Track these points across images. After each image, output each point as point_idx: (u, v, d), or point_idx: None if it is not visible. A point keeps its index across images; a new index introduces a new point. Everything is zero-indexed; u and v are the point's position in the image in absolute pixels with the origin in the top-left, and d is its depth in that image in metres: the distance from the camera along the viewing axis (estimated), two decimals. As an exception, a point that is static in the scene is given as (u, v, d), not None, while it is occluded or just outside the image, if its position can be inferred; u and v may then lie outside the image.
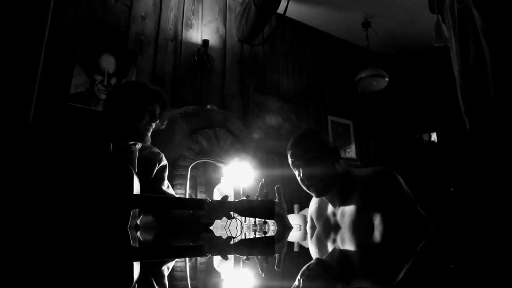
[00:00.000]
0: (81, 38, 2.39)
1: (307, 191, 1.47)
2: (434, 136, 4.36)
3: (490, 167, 1.31)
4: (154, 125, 1.48)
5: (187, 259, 0.78)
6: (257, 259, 0.76)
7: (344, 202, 1.44)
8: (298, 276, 0.57)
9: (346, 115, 3.79)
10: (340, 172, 1.44)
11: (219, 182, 1.88)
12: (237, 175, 1.71)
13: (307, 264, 0.70)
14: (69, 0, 2.41)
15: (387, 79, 3.47)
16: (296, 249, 0.97)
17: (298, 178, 1.46)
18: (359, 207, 1.35)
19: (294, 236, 1.35)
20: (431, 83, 4.33)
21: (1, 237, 0.95)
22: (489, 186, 1.38)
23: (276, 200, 1.61)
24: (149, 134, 1.47)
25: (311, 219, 1.65)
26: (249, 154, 2.46)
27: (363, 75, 3.47)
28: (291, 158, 1.46)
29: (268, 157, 3.00)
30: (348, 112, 3.83)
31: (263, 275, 0.61)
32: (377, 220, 1.31)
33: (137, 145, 1.50)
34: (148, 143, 1.50)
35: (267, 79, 3.36)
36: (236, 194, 1.75)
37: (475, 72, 1.22)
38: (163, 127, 1.57)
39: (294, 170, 1.48)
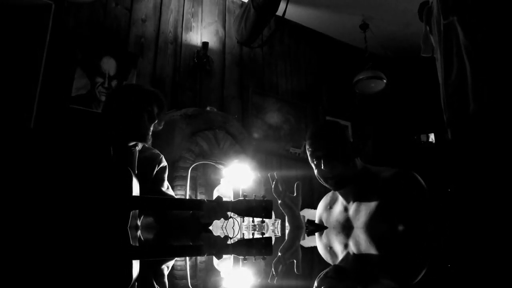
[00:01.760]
0: (82, 41, 2.42)
1: (324, 183, 1.44)
2: (432, 137, 4.37)
3: (469, 176, 1.36)
4: (153, 125, 1.51)
5: (187, 258, 0.79)
6: (254, 260, 0.79)
7: (359, 198, 1.42)
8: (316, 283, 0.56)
9: (344, 116, 3.82)
10: (359, 168, 1.43)
11: (219, 183, 1.90)
12: (237, 176, 1.74)
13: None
14: (70, 3, 2.44)
15: (385, 80, 3.51)
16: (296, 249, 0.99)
17: (316, 170, 1.43)
18: (378, 206, 1.33)
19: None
20: (428, 84, 4.35)
21: (3, 237, 0.98)
22: (469, 192, 1.41)
23: (294, 195, 1.61)
24: (150, 134, 1.51)
25: (320, 220, 1.65)
26: (248, 156, 2.49)
27: (361, 77, 3.50)
28: (311, 148, 1.42)
29: (267, 158, 3.04)
30: (346, 113, 3.86)
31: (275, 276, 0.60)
32: (393, 221, 1.29)
33: (137, 147, 1.53)
34: (150, 142, 1.54)
35: (266, 81, 3.39)
36: (236, 195, 1.78)
37: (457, 86, 1.27)
38: (161, 127, 1.60)
39: (312, 162, 1.45)
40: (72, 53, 2.37)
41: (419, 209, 1.31)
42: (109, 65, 2.47)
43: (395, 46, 4.09)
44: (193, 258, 0.79)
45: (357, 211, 1.41)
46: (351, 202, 1.46)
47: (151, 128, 1.53)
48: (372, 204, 1.35)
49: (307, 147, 1.46)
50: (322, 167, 1.39)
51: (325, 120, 3.53)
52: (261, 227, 1.50)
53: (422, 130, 4.37)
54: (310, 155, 1.45)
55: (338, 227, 1.49)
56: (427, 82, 4.35)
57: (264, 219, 1.33)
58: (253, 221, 1.41)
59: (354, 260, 0.77)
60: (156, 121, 1.54)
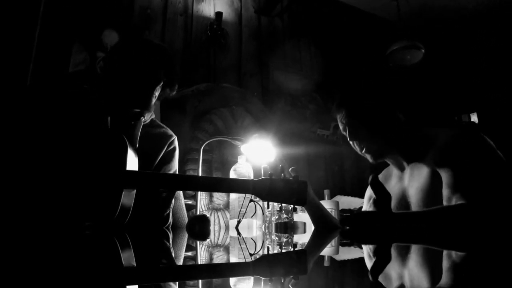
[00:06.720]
0: (81, 13, 2.16)
1: (361, 154, 1.22)
2: (474, 117, 3.96)
3: None
4: (158, 88, 1.21)
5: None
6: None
7: (413, 161, 1.16)
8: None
9: (376, 93, 3.42)
10: (405, 127, 1.18)
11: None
12: (257, 153, 1.42)
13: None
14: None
15: (423, 50, 3.08)
16: (326, 263, 0.64)
17: (350, 140, 1.23)
18: (432, 172, 1.07)
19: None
20: (470, 58, 3.90)
21: None
22: None
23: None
24: (154, 100, 1.21)
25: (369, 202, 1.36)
26: (270, 136, 2.17)
27: (395, 47, 3.09)
28: (338, 118, 1.25)
29: (292, 141, 2.69)
30: (378, 90, 3.46)
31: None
32: (448, 191, 1.01)
33: (142, 118, 1.22)
34: (152, 111, 1.25)
35: (288, 56, 3.05)
36: (256, 176, 1.46)
37: None
38: (173, 93, 1.31)
39: (343, 132, 1.25)
40: (69, 25, 2.11)
41: (488, 178, 0.99)
42: (111, 38, 2.19)
43: (433, 14, 3.65)
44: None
45: (411, 177, 1.16)
46: (406, 169, 1.20)
47: (156, 93, 1.23)
48: (426, 168, 1.09)
49: (337, 117, 1.28)
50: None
51: (355, 80, 3.17)
52: (288, 216, 1.17)
53: (463, 109, 3.95)
54: (340, 125, 1.27)
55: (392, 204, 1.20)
56: (468, 56, 3.90)
57: (296, 206, 1.01)
58: (280, 208, 1.09)
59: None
60: (162, 83, 1.23)
